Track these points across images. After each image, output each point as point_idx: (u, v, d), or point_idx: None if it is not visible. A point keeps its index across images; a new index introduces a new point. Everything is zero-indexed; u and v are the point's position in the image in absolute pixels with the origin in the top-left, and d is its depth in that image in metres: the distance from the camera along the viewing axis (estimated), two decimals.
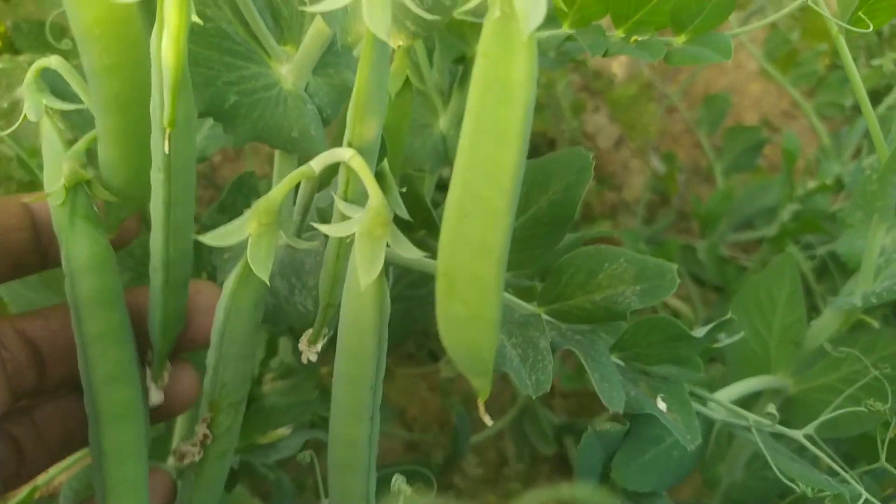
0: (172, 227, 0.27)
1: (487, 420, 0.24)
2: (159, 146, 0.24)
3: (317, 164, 0.24)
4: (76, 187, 0.27)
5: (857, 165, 0.67)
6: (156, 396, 0.30)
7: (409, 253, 0.23)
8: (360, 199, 0.24)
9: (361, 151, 0.23)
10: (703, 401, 0.37)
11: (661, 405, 0.32)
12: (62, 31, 0.65)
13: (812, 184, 0.62)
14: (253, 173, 0.42)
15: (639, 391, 0.33)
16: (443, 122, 0.45)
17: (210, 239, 0.24)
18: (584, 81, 0.87)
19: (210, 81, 0.29)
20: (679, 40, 0.31)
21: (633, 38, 0.31)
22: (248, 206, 0.42)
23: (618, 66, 0.87)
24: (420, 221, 0.42)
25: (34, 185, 0.56)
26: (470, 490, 0.61)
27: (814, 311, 0.73)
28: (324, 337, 0.29)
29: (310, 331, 0.29)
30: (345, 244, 0.26)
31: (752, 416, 0.37)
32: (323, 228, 0.24)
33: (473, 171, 0.21)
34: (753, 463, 0.48)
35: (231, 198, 0.41)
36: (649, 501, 0.33)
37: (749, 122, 0.98)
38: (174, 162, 0.24)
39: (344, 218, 0.24)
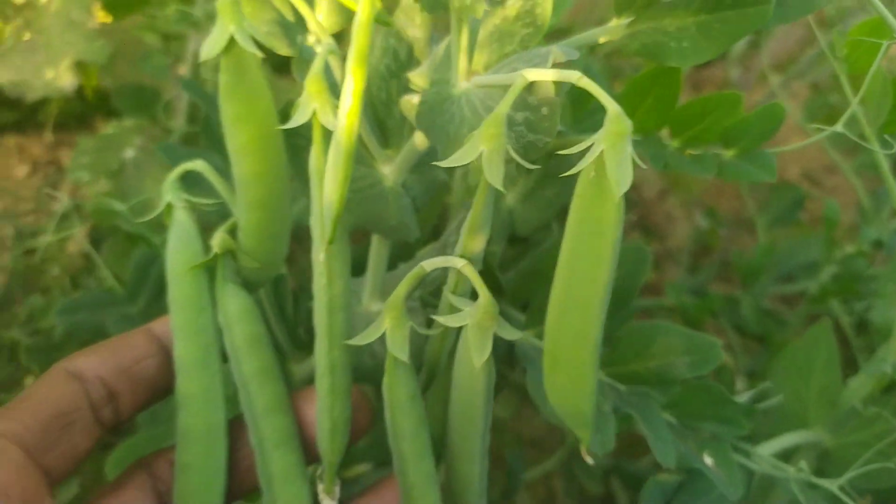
0: (335, 332, 0.31)
1: (589, 460, 0.30)
2: (319, 251, 0.30)
3: (429, 265, 0.30)
4: (225, 254, 0.33)
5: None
6: None
7: (513, 336, 0.29)
8: (466, 293, 0.30)
9: (471, 260, 0.29)
10: (746, 454, 0.42)
11: (708, 461, 0.37)
12: (156, 93, 0.73)
13: (851, 248, 0.66)
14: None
15: (688, 447, 0.38)
16: (510, 198, 0.51)
17: (356, 341, 0.30)
18: None
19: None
20: (729, 154, 0.37)
21: (688, 152, 0.37)
22: None
23: None
24: (491, 286, 0.48)
25: (137, 237, 0.63)
26: None
27: (852, 363, 0.77)
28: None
29: None
30: (451, 329, 0.32)
31: (790, 469, 0.41)
32: (441, 320, 0.30)
33: (573, 281, 0.27)
34: None
35: None
36: None
37: (791, 175, 1.02)
38: (333, 267, 0.30)
39: (454, 309, 0.30)
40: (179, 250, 0.33)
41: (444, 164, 0.26)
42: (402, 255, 0.45)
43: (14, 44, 0.70)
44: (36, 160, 0.83)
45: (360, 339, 0.30)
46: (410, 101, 0.34)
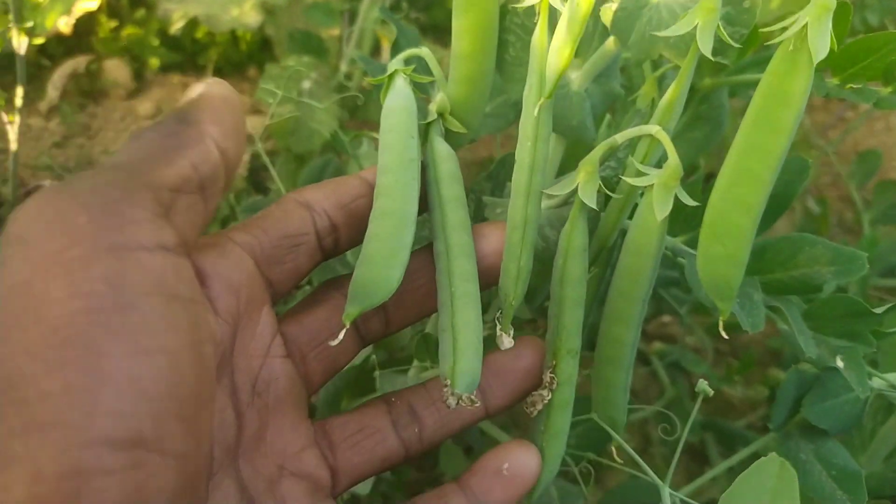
0: (533, 191, 0.35)
1: (724, 335, 0.34)
2: (530, 116, 0.35)
3: (621, 137, 0.35)
4: (440, 115, 0.38)
5: None
6: (507, 342, 0.36)
7: (687, 200, 0.33)
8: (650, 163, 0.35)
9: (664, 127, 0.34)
10: (868, 374, 0.45)
11: (840, 364, 0.40)
12: (320, 40, 0.81)
13: None
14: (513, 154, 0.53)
15: (822, 351, 0.41)
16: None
17: (554, 189, 0.35)
18: None
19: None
20: (886, 91, 0.40)
21: (848, 86, 0.40)
22: (508, 177, 0.54)
23: None
24: None
25: (304, 157, 0.70)
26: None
27: None
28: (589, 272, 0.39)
29: None
30: (629, 200, 0.37)
31: None
32: (630, 180, 0.34)
33: (748, 152, 0.30)
34: (892, 457, 0.55)
35: (497, 170, 0.53)
36: (822, 440, 0.41)
37: None
38: (540, 132, 0.35)
39: (640, 174, 0.34)
40: (397, 99, 0.37)
41: (662, 33, 0.31)
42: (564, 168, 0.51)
43: None
44: None
45: (556, 189, 0.35)
46: (609, 9, 0.39)
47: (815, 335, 0.43)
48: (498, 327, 0.37)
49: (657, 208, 0.33)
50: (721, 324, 0.34)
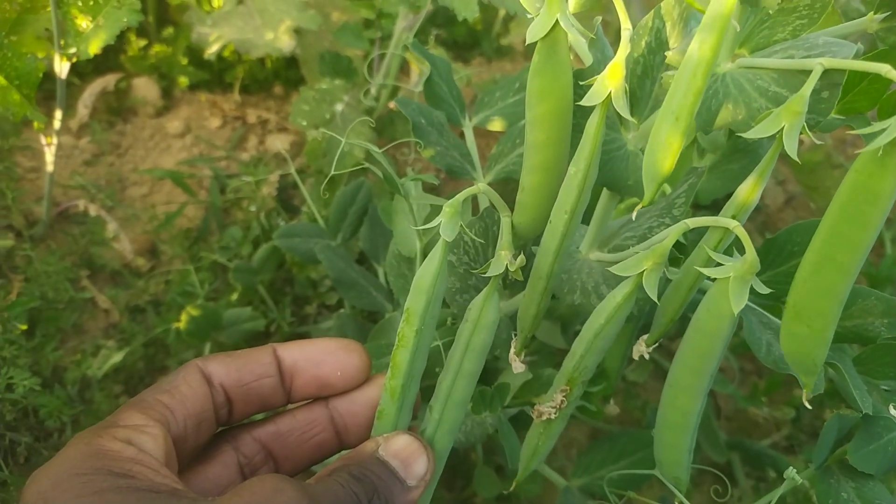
0: (562, 251, 0.38)
1: (807, 404, 0.35)
2: (572, 192, 0.36)
3: (693, 223, 0.35)
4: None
5: None
6: (518, 367, 0.42)
7: (762, 290, 0.33)
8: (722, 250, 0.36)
9: (737, 217, 0.35)
10: None
11: (893, 412, 0.42)
12: (350, 61, 0.81)
13: None
14: None
15: (874, 398, 0.43)
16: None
17: (617, 269, 0.35)
18: None
19: None
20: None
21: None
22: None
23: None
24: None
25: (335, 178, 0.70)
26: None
27: None
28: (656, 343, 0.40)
29: (645, 336, 0.41)
30: (698, 279, 0.38)
31: None
32: (704, 270, 0.34)
33: (833, 243, 0.31)
34: None
35: None
36: (864, 479, 0.43)
37: None
38: (578, 209, 0.36)
39: (710, 261, 0.35)
40: (433, 272, 0.36)
41: (747, 134, 0.32)
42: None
43: (232, 8, 0.79)
44: (226, 115, 0.92)
45: (622, 270, 0.35)
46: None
47: (863, 378, 0.44)
48: (511, 351, 0.43)
49: (733, 301, 0.33)
50: (805, 396, 0.36)
